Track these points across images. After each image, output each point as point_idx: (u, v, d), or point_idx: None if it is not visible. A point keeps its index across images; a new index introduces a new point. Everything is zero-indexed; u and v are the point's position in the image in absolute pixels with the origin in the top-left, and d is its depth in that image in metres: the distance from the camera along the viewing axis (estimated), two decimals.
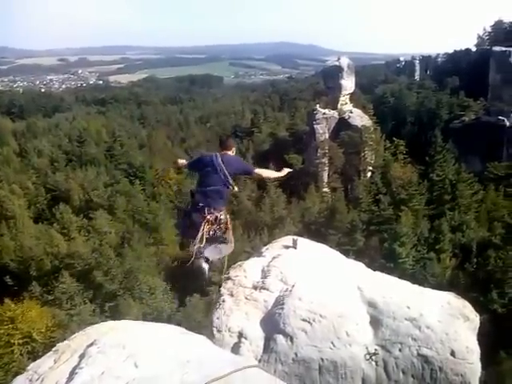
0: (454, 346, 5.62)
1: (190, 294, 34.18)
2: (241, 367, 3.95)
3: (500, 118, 72.40)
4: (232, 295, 6.82)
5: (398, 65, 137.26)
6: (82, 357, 3.88)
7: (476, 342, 6.02)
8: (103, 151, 69.45)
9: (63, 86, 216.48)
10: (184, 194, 52.02)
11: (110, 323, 4.62)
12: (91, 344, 4.00)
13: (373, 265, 7.08)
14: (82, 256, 38.15)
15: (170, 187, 55.43)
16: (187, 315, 30.72)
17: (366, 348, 5.69)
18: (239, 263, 7.97)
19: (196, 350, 4.26)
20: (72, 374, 3.74)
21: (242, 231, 44.45)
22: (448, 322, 5.91)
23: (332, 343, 5.68)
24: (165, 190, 54.85)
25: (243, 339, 5.87)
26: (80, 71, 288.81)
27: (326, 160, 62.80)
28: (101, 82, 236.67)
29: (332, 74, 68.05)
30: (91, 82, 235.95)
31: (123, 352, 3.91)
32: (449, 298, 6.52)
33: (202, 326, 6.64)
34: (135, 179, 55.85)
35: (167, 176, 57.46)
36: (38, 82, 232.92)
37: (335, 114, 66.39)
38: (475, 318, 6.26)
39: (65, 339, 4.56)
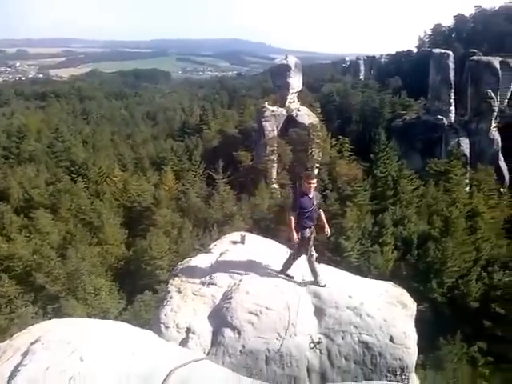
0: (393, 331, 5.93)
1: (138, 293, 33.51)
2: (191, 360, 3.99)
3: (439, 116, 76.20)
4: (180, 292, 6.83)
5: (343, 65, 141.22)
6: (25, 354, 3.77)
7: (413, 328, 6.38)
8: (44, 148, 66.39)
9: (0, 79, 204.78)
10: (130, 192, 50.94)
11: (54, 321, 4.51)
12: (35, 341, 3.89)
13: (321, 258, 7.35)
14: (22, 258, 36.39)
15: (115, 185, 53.83)
16: (135, 314, 30.07)
17: (311, 337, 5.89)
18: (187, 260, 7.98)
19: (141, 343, 4.26)
20: (15, 371, 3.63)
21: (192, 229, 44.07)
22: (386, 309, 6.23)
23: (278, 334, 5.84)
24: (109, 187, 53.21)
25: (191, 334, 5.90)
26: (18, 64, 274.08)
27: (274, 157, 63.38)
28: (41, 75, 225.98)
29: (280, 73, 68.76)
30: (31, 76, 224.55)
31: (68, 347, 3.83)
32: (387, 287, 6.89)
33: (151, 324, 6.58)
34: (78, 177, 53.81)
35: (112, 173, 55.80)
36: None
37: (283, 111, 67.14)
38: (412, 305, 6.64)
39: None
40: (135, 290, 34.80)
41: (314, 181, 7.18)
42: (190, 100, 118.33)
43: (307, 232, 7.07)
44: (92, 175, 55.74)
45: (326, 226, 7.52)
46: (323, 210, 7.64)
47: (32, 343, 3.88)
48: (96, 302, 32.74)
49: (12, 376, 3.59)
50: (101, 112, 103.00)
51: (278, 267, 7.31)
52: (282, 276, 7.10)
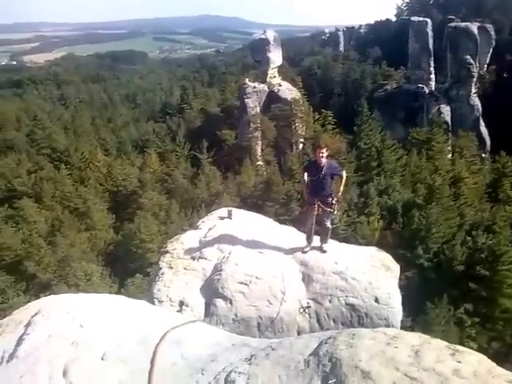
0: (377, 293, 6.19)
1: (130, 277, 33.72)
2: (185, 321, 4.20)
3: (419, 85, 76.50)
4: (171, 267, 7.00)
5: (323, 37, 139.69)
6: (27, 325, 3.97)
7: (397, 289, 6.66)
8: (23, 136, 65.25)
9: None
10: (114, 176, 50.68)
11: (53, 296, 4.69)
12: (35, 314, 4.08)
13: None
14: (11, 247, 36.23)
15: (98, 170, 53.30)
16: (129, 296, 30.32)
17: (300, 303, 6.14)
18: (176, 237, 8.13)
19: (137, 310, 4.46)
20: (19, 340, 3.83)
21: (179, 209, 44.15)
22: (371, 272, 6.49)
23: (268, 301, 6.07)
24: (93, 173, 52.68)
25: (184, 307, 6.10)
26: None
27: (258, 134, 63.27)
28: (14, 62, 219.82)
29: (259, 48, 68.02)
30: (4, 63, 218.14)
31: (68, 316, 4.04)
32: (371, 252, 7.15)
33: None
34: (60, 164, 53.08)
35: (95, 158, 55.17)
36: None
37: (265, 87, 66.71)
38: (395, 268, 6.91)
39: None
40: (127, 273, 34.97)
41: (324, 150, 7.17)
42: (169, 80, 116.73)
43: (314, 200, 7.23)
44: (75, 161, 55.06)
45: (339, 193, 7.57)
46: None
47: (33, 316, 4.07)
48: (88, 288, 32.88)
49: (17, 345, 3.79)
50: (79, 97, 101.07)
51: (266, 238, 7.50)
52: (270, 246, 7.28)
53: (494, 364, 2.75)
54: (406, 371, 2.60)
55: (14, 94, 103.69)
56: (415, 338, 2.92)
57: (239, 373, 3.05)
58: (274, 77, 68.69)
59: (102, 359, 3.63)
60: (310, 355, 2.98)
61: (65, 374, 3.49)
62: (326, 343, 2.99)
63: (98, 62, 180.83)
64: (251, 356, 3.25)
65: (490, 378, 2.52)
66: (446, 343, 2.88)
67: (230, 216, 8.64)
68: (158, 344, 3.65)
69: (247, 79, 68.21)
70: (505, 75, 79.59)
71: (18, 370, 3.52)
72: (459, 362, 2.63)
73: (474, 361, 2.67)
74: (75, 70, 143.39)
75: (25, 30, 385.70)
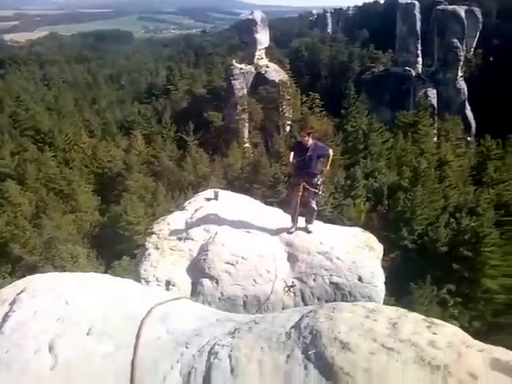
0: (361, 272, 6.32)
1: (117, 258, 33.69)
2: (171, 298, 4.29)
3: (407, 68, 76.60)
4: (157, 248, 7.03)
5: (310, 18, 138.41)
6: (12, 303, 4.01)
7: (380, 269, 6.80)
8: (6, 117, 63.99)
9: None
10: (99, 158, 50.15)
11: (38, 275, 4.72)
12: (21, 292, 4.14)
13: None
14: None
15: (83, 151, 52.62)
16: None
17: (285, 281, 6.25)
18: (162, 218, 8.14)
19: (122, 287, 4.52)
20: (5, 317, 3.89)
21: (166, 192, 44.03)
22: (355, 252, 6.62)
23: (254, 280, 6.17)
24: (78, 154, 52.01)
25: (171, 286, 6.16)
26: None
27: (245, 116, 63.00)
28: None
29: (246, 28, 67.30)
30: None
31: (53, 293, 4.10)
32: (355, 232, 7.29)
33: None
34: (44, 145, 52.30)
35: (79, 140, 54.43)
36: None
37: (252, 69, 66.23)
38: (379, 248, 7.06)
39: None
40: (113, 256, 34.92)
41: (306, 134, 7.25)
42: (154, 60, 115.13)
43: (299, 180, 7.29)
44: (59, 143, 54.30)
45: (325, 169, 7.68)
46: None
47: (18, 294, 4.11)
48: (75, 269, 32.77)
49: (3, 321, 3.83)
50: (62, 77, 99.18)
51: (252, 219, 7.56)
52: (256, 227, 7.35)
53: (469, 336, 2.88)
54: (383, 342, 2.73)
55: None
56: (393, 311, 3.05)
57: (222, 345, 3.16)
58: (262, 58, 68.16)
59: (88, 334, 3.71)
60: (292, 328, 3.09)
61: (51, 348, 3.57)
62: (307, 316, 3.10)
63: (82, 41, 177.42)
64: (235, 330, 3.35)
65: (463, 347, 2.65)
66: (422, 316, 3.01)
67: (216, 197, 8.66)
68: (143, 318, 3.73)
69: (234, 60, 67.57)
70: (491, 59, 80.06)
71: (4, 346, 3.59)
72: (435, 333, 2.76)
73: (449, 332, 2.79)
74: (58, 49, 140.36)
75: (4, 6, 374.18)
